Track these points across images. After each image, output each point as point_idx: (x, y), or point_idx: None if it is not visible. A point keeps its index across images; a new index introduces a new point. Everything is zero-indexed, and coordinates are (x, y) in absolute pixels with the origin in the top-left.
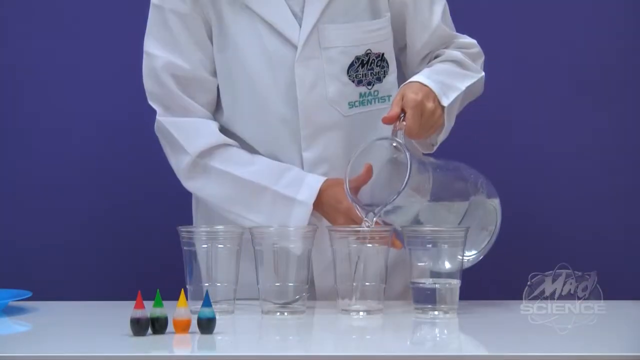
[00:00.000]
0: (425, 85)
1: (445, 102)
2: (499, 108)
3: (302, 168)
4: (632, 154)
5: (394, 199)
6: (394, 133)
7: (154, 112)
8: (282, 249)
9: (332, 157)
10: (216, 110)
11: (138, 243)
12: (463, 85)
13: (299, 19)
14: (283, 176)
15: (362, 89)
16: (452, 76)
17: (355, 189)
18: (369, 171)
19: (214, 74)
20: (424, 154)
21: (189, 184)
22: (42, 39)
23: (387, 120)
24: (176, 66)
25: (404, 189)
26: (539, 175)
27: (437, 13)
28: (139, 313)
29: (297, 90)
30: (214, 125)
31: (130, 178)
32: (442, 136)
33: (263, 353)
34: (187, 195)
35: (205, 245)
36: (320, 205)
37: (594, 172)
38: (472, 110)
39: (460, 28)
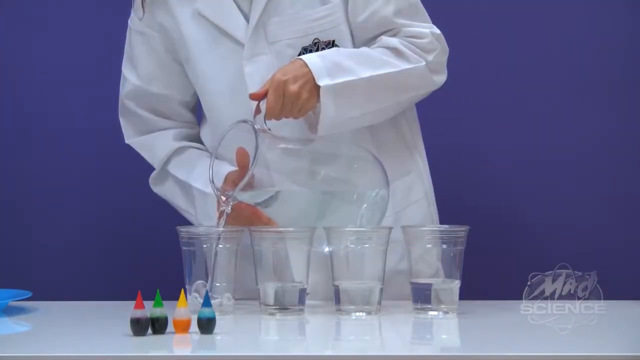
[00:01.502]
0: (306, 65)
1: (321, 82)
2: (500, 108)
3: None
4: (632, 154)
5: (242, 184)
6: (256, 112)
7: None
8: (281, 249)
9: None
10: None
11: (138, 243)
12: (367, 73)
13: (246, 17)
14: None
15: None
16: (358, 60)
17: (234, 182)
18: (244, 156)
19: (177, 87)
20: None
21: (155, 190)
22: (43, 39)
23: (253, 97)
24: (136, 85)
25: (248, 176)
26: (540, 175)
27: None
28: (139, 313)
29: (248, 89)
30: (170, 134)
31: (130, 178)
32: (323, 119)
33: (263, 353)
34: None
35: (205, 246)
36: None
37: (594, 172)
38: (473, 110)
39: (462, 28)
